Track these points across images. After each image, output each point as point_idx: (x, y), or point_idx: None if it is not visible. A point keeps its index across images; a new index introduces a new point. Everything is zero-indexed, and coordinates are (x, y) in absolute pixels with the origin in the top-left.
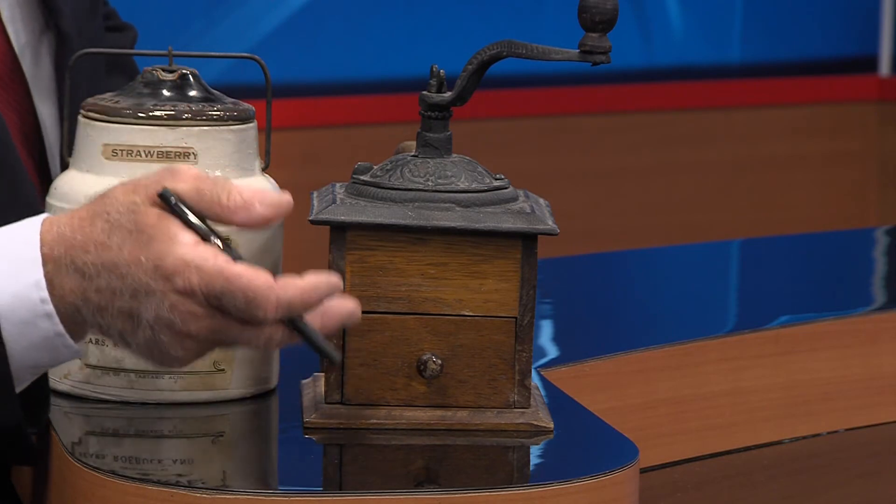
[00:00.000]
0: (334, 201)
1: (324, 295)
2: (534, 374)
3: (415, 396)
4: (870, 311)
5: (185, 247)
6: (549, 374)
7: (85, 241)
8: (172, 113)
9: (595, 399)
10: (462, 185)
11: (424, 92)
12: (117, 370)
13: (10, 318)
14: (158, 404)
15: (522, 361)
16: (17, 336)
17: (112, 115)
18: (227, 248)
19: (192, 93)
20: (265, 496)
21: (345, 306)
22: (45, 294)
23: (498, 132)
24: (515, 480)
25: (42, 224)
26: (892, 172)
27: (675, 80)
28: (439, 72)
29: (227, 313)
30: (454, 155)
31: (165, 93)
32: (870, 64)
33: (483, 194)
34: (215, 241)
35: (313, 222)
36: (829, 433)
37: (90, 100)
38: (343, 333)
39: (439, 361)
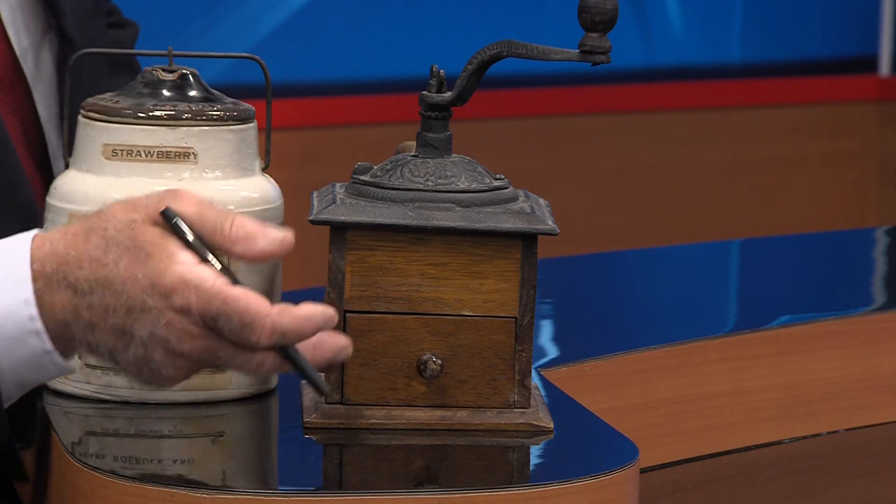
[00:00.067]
0: (334, 201)
1: (319, 326)
2: (534, 374)
3: (415, 396)
4: (870, 311)
5: (185, 266)
6: (549, 374)
7: (79, 256)
8: (172, 113)
9: (595, 399)
10: (462, 185)
11: (424, 92)
12: (117, 370)
13: None
14: (158, 404)
15: (522, 361)
16: (5, 353)
17: (112, 115)
18: (226, 270)
19: (192, 93)
20: (265, 496)
21: (338, 341)
22: (35, 311)
23: (498, 132)
24: (515, 480)
25: (33, 240)
26: (892, 172)
27: (675, 80)
28: (439, 72)
29: (221, 335)
30: (454, 155)
31: (165, 93)
32: (870, 64)
33: (483, 194)
34: (214, 262)
35: (313, 222)
36: (829, 433)
37: (90, 100)
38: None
39: (439, 361)
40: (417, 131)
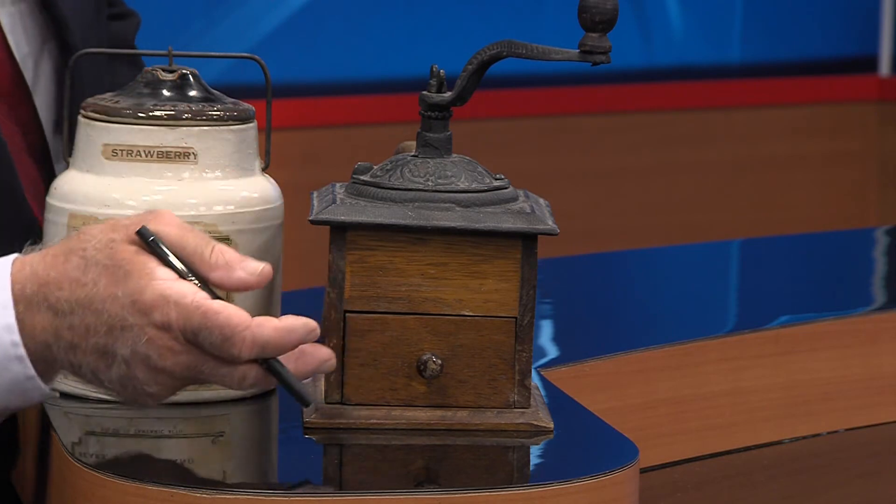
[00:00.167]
0: (334, 201)
1: (300, 338)
2: (534, 374)
3: (415, 396)
4: (870, 311)
5: (164, 282)
6: (549, 374)
7: (59, 278)
8: (172, 113)
9: (595, 399)
10: (462, 185)
11: (424, 92)
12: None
13: None
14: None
15: (522, 361)
16: None
17: (112, 115)
18: (205, 286)
19: (192, 93)
20: (265, 496)
21: (321, 353)
22: (17, 338)
23: (498, 132)
24: (515, 480)
25: (13, 264)
26: (892, 172)
27: (675, 80)
28: (439, 72)
29: (202, 350)
30: (454, 155)
31: (165, 93)
32: (870, 64)
33: (483, 194)
34: (192, 279)
35: (313, 222)
36: (829, 433)
37: (90, 100)
38: (343, 334)
39: (439, 361)
40: (417, 131)
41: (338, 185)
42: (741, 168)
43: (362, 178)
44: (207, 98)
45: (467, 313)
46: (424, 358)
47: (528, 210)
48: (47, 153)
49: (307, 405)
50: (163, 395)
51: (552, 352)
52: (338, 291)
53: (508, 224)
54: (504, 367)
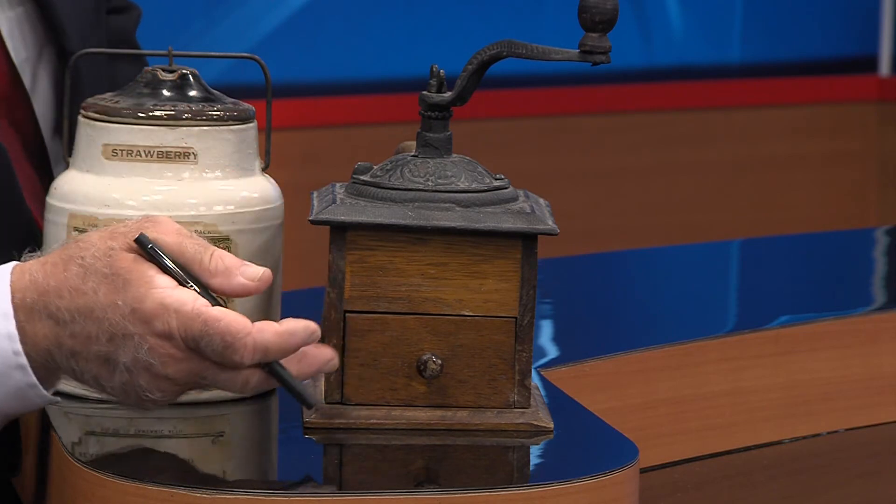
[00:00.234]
0: (334, 201)
1: (301, 341)
2: (534, 374)
3: (415, 396)
4: (870, 311)
5: (163, 290)
6: (549, 374)
7: (58, 286)
8: (172, 113)
9: (595, 399)
10: (462, 185)
11: (424, 92)
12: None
13: None
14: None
15: (522, 361)
16: None
17: (112, 115)
18: (205, 292)
19: (192, 93)
20: (265, 496)
21: (323, 353)
22: (18, 346)
23: (498, 132)
24: (515, 480)
25: (12, 272)
26: (892, 172)
27: (675, 80)
28: (439, 72)
29: (204, 356)
30: (454, 155)
31: (165, 93)
32: (870, 64)
33: (483, 194)
34: (192, 286)
35: (313, 222)
36: (829, 433)
37: (90, 100)
38: (343, 334)
39: (439, 361)
40: (417, 131)
41: (338, 185)
42: (741, 168)
43: (362, 178)
44: (207, 98)
45: (467, 313)
46: (424, 358)
47: (528, 210)
48: (46, 157)
49: (310, 407)
50: (166, 400)
51: (552, 352)
52: (338, 291)
53: (508, 224)
54: (504, 367)
